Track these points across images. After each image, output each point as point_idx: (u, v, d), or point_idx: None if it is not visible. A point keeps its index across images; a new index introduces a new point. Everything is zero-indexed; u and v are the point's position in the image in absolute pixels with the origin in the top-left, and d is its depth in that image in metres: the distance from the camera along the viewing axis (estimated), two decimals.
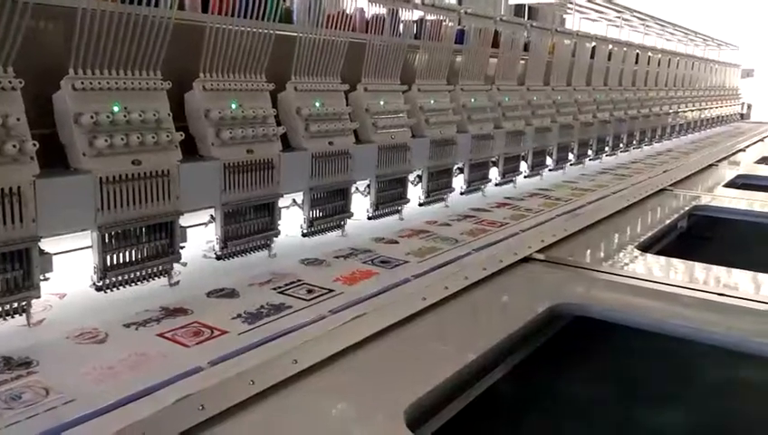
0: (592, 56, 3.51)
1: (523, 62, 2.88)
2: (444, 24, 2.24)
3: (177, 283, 1.43)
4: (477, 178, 2.49)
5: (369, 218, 1.97)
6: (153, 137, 1.27)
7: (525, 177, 2.90)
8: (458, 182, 2.46)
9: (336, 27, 1.73)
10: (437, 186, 2.24)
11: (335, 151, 1.75)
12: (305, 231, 1.73)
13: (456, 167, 2.42)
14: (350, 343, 1.15)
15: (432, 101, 2.19)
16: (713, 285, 1.59)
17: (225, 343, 1.14)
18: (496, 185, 2.68)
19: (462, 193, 2.45)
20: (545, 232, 2.00)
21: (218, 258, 1.50)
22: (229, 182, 1.46)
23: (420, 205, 2.22)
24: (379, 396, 1.01)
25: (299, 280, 1.49)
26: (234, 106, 1.47)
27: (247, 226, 1.54)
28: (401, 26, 2.02)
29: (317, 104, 1.71)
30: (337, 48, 1.75)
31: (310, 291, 1.42)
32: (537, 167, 2.95)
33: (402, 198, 2.07)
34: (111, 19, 1.22)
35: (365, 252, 1.73)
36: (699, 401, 1.42)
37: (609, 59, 3.71)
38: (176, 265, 1.47)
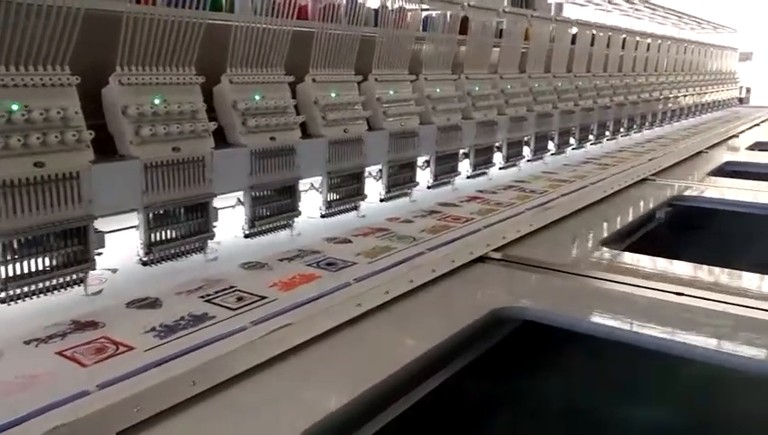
0: (574, 42, 3.40)
1: (497, 49, 2.77)
2: (407, 10, 2.13)
3: (100, 292, 1.34)
4: (446, 170, 2.39)
5: (323, 216, 1.88)
6: (57, 136, 1.17)
7: (501, 168, 2.80)
8: (426, 176, 2.36)
9: (284, 15, 1.62)
10: (399, 180, 2.14)
11: (278, 147, 1.65)
12: (247, 232, 1.64)
13: (423, 160, 2.33)
14: (263, 360, 1.06)
15: (392, 92, 2.09)
16: (674, 283, 1.47)
17: (126, 362, 1.04)
18: (468, 178, 2.57)
19: (429, 187, 2.35)
20: (509, 228, 1.90)
21: (144, 264, 1.41)
22: (152, 183, 1.36)
23: (381, 201, 2.12)
24: (275, 421, 0.92)
25: (232, 287, 1.39)
26: (157, 101, 1.37)
27: (178, 229, 1.45)
28: (359, 14, 1.91)
29: (257, 97, 1.61)
30: (280, 38, 1.65)
31: (240, 299, 1.32)
32: (513, 158, 2.84)
33: (359, 195, 1.97)
34: (9, 9, 1.12)
35: (313, 253, 1.64)
36: (653, 409, 1.33)
37: (592, 44, 3.59)
38: (103, 272, 1.39)
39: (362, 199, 1.99)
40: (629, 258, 1.73)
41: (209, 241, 1.55)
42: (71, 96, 1.23)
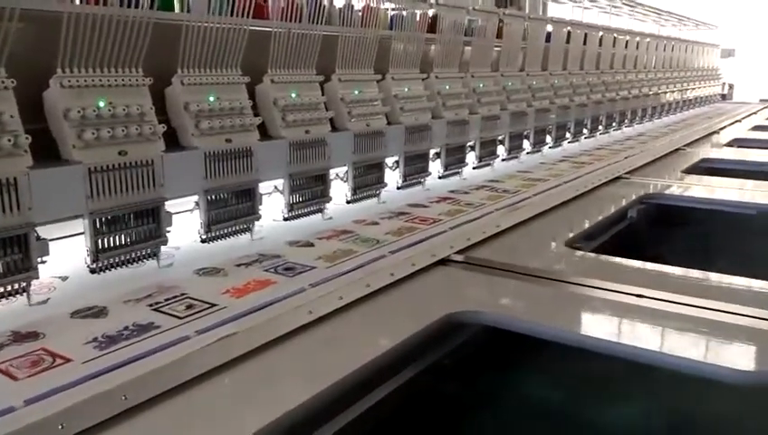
0: (549, 40, 3.37)
1: (469, 48, 2.74)
2: (372, 9, 2.10)
3: (46, 301, 1.30)
4: (416, 171, 2.36)
5: (285, 219, 1.84)
6: None
7: (474, 168, 2.77)
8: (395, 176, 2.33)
9: (239, 14, 1.59)
10: (366, 181, 2.11)
11: (235, 149, 1.61)
12: (203, 236, 1.60)
13: (394, 160, 2.30)
14: (204, 371, 1.02)
15: (356, 92, 2.05)
16: (637, 285, 1.43)
17: (60, 375, 1.00)
18: (440, 178, 2.54)
19: (398, 188, 2.32)
20: (475, 229, 1.86)
21: (92, 272, 1.37)
22: (97, 188, 1.32)
23: (348, 202, 2.08)
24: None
25: (183, 293, 1.35)
26: (101, 104, 1.33)
27: (127, 234, 1.41)
28: (321, 12, 1.87)
29: (211, 99, 1.57)
30: (235, 37, 1.61)
31: (189, 307, 1.28)
32: (487, 157, 2.82)
33: (323, 197, 1.93)
34: None
35: (273, 258, 1.60)
36: (612, 415, 1.30)
37: (567, 42, 3.57)
38: (53, 281, 1.36)
39: (327, 202, 1.96)
40: (595, 260, 1.69)
41: (164, 246, 1.51)
42: (6, 100, 1.19)
